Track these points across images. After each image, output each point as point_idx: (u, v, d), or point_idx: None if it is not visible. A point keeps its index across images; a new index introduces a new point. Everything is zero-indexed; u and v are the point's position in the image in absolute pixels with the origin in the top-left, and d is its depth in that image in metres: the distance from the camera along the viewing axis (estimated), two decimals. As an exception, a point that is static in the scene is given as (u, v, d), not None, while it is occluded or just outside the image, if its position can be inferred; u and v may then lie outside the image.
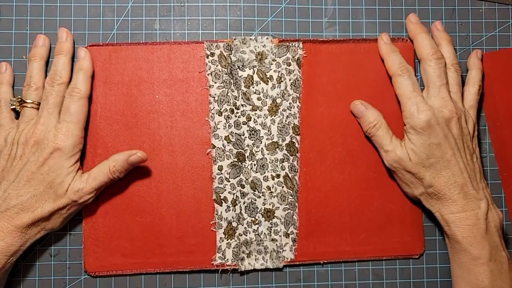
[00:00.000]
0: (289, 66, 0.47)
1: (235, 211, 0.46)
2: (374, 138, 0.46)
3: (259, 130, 0.47)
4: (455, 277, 0.44)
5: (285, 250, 0.46)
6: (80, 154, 0.43)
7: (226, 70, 0.46)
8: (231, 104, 0.46)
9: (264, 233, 0.46)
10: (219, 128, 0.46)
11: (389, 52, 0.46)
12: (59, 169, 0.41)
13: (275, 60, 0.47)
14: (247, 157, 0.46)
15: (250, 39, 0.47)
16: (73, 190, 0.42)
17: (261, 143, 0.47)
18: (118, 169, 0.43)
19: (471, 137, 0.45)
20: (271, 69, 0.47)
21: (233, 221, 0.46)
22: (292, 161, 0.47)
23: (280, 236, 0.47)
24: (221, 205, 0.46)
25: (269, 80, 0.47)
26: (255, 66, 0.47)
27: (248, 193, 0.46)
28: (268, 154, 0.47)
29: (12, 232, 0.40)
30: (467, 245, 0.42)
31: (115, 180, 0.43)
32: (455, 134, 0.43)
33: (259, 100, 0.47)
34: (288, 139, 0.47)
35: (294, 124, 0.47)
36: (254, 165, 0.46)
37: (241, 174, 0.46)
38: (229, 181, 0.46)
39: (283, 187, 0.47)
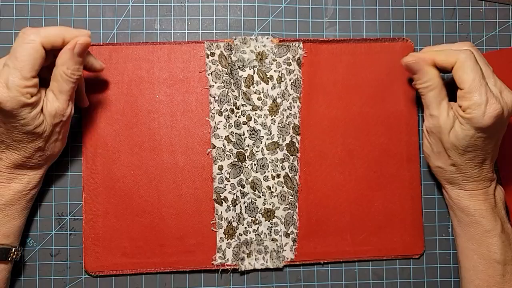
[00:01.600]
0: (289, 66, 0.47)
1: (235, 211, 0.46)
2: (423, 98, 0.43)
3: (259, 130, 0.47)
4: (465, 249, 0.44)
5: (285, 250, 0.46)
6: (80, 154, 0.42)
7: (226, 70, 0.46)
8: (232, 104, 0.46)
9: (264, 233, 0.46)
10: (220, 128, 0.46)
11: (435, 49, 0.42)
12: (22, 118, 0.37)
13: (276, 60, 0.47)
14: (247, 157, 0.46)
15: (251, 39, 0.47)
16: (51, 115, 0.39)
17: (261, 143, 0.47)
18: (72, 69, 0.38)
19: None
20: (271, 69, 0.47)
21: (233, 221, 0.46)
22: (292, 161, 0.47)
23: (280, 236, 0.47)
24: (221, 205, 0.46)
25: (269, 80, 0.47)
26: (256, 66, 0.47)
27: (248, 193, 0.46)
28: (268, 154, 0.47)
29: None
30: (479, 217, 0.43)
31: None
32: (505, 126, 0.41)
33: (259, 100, 0.47)
34: (288, 139, 0.47)
35: (294, 124, 0.47)
36: (254, 165, 0.46)
37: (241, 174, 0.46)
38: (229, 181, 0.46)
39: (283, 187, 0.47)
